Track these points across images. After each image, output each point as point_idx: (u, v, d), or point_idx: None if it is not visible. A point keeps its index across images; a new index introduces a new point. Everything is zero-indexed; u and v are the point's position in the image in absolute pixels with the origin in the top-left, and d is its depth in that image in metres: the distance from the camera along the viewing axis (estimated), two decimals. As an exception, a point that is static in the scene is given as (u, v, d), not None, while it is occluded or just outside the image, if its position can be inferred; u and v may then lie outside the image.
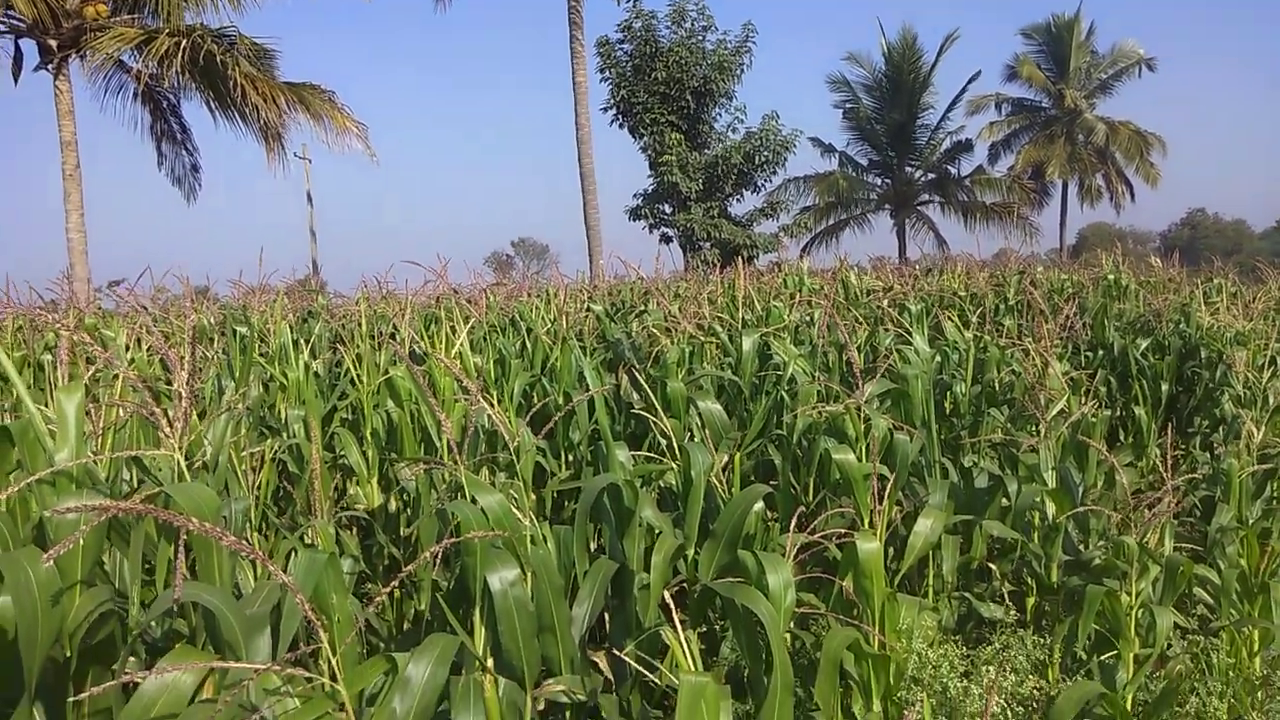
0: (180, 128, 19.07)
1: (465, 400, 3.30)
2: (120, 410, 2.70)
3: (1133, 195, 39.75)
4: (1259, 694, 4.21)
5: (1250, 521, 4.45)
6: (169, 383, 3.54)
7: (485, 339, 5.47)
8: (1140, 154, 38.26)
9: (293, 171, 34.83)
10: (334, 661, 1.51)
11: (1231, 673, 4.04)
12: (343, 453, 4.53)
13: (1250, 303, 9.26)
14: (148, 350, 5.23)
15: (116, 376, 2.87)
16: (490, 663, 2.36)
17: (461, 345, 4.14)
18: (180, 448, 2.04)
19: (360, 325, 5.45)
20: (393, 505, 4.53)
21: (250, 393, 4.64)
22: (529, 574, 2.51)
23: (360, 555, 3.97)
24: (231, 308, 7.38)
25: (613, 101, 25.66)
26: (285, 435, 4.74)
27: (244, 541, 1.45)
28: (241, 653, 1.81)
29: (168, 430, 2.03)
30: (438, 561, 2.23)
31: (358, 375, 4.64)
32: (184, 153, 19.16)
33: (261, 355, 5.57)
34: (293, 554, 2.39)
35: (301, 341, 5.22)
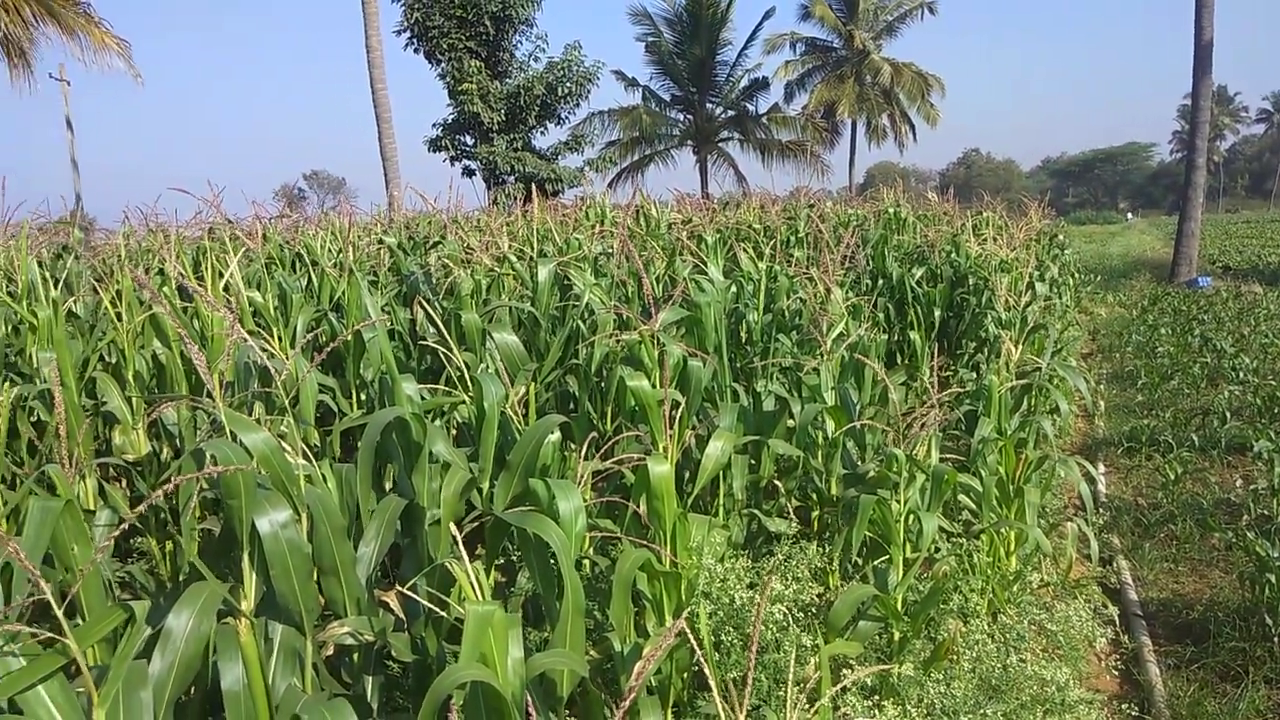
0: (-97, 41, 16.69)
1: (234, 337, 3.07)
2: None
3: (915, 135, 42.19)
4: (1014, 588, 4.64)
5: (1009, 433, 4.85)
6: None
7: (266, 273, 5.14)
8: (922, 95, 40.52)
9: (48, 95, 31.39)
10: (60, 615, 1.36)
11: (990, 570, 4.43)
12: (105, 398, 4.16)
13: (1015, 234, 10.05)
14: None
15: None
16: (262, 608, 2.24)
17: (231, 278, 3.85)
18: None
19: (121, 260, 4.98)
20: (165, 454, 4.21)
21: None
22: (304, 515, 2.38)
23: (128, 506, 3.68)
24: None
25: (406, 24, 24.52)
26: (38, 381, 4.31)
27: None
28: (-41, 615, 1.62)
29: None
30: (191, 504, 2.07)
31: (116, 314, 4.25)
32: (-91, 70, 16.81)
33: (10, 295, 5.01)
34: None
35: (51, 279, 4.71)
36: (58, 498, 1.98)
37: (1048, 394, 5.41)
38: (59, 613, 1.37)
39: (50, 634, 1.48)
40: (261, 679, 1.94)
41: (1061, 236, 16.54)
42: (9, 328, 4.89)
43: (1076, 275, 17.07)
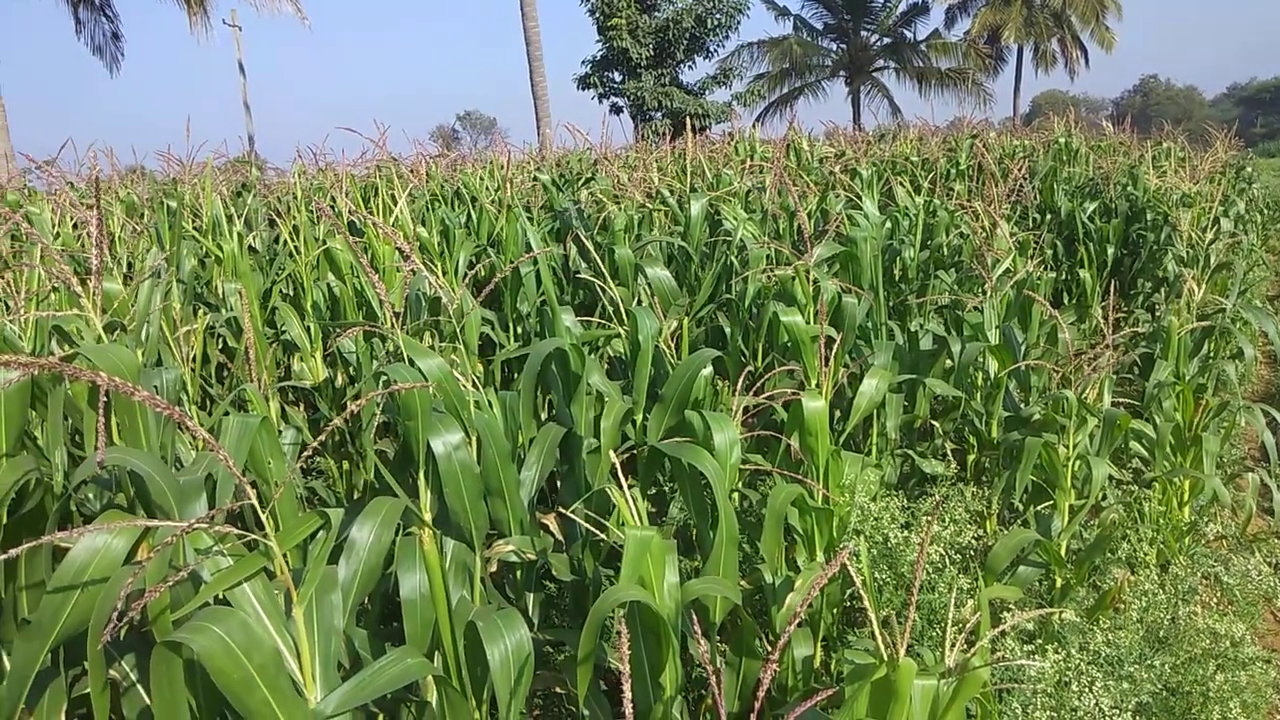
0: (98, -8, 17.96)
1: (406, 269, 3.22)
2: (43, 284, 2.60)
3: (1087, 61, 39.45)
4: (1186, 540, 4.40)
5: (1187, 377, 4.56)
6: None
7: (428, 209, 5.32)
8: (1096, 17, 37.76)
9: (220, 41, 33.13)
10: (265, 519, 1.49)
11: (1162, 520, 4.21)
12: (284, 328, 4.44)
13: (1198, 167, 9.31)
14: (74, 226, 5.04)
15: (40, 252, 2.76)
16: (434, 525, 2.36)
17: (400, 212, 4.00)
18: (95, 308, 1.96)
19: (296, 198, 5.25)
20: (340, 380, 4.47)
21: (184, 265, 4.49)
22: (474, 438, 2.49)
23: (307, 428, 3.94)
24: (160, 182, 7.08)
25: (558, -38, 24.57)
26: (224, 311, 4.63)
27: (161, 399, 1.40)
28: (175, 517, 1.78)
29: (81, 293, 1.93)
30: (372, 425, 2.19)
31: (295, 248, 4.50)
32: (103, 19, 18.12)
33: (196, 230, 5.38)
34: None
35: (235, 215, 5.02)
36: (254, 415, 2.14)
37: (1231, 337, 5.04)
38: (264, 517, 1.49)
39: (251, 534, 1.61)
40: (443, 587, 2.06)
41: (1249, 169, 15.21)
42: (196, 260, 5.26)
43: (1265, 211, 15.69)
